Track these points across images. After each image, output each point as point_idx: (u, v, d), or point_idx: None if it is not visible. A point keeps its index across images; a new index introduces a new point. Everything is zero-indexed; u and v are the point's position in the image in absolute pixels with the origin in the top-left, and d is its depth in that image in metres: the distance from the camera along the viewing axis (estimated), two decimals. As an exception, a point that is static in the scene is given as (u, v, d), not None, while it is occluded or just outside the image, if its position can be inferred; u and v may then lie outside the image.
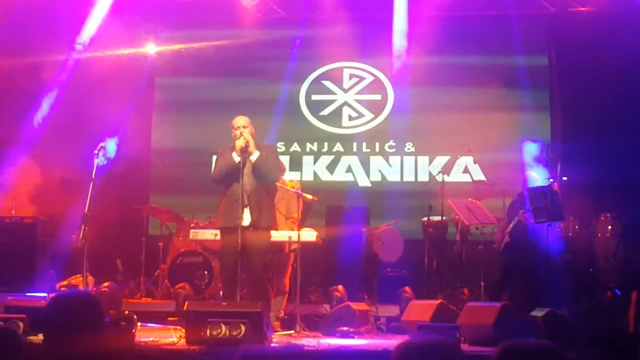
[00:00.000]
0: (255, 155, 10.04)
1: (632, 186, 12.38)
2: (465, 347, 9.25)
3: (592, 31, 13.83)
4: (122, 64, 14.62)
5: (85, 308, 4.23)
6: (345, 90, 15.69)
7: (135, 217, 14.00)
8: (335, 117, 15.65)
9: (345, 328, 10.67)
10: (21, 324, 8.61)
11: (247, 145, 9.96)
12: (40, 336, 8.19)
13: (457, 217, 12.80)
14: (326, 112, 15.68)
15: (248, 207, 9.92)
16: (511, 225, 11.71)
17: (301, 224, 11.26)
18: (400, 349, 3.22)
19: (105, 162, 10.61)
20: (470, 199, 12.73)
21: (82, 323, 4.13)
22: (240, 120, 10.19)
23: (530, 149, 12.24)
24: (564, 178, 12.58)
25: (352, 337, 10.42)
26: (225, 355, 7.16)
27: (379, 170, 15.37)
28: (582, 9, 14.74)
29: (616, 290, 11.80)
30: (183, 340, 8.93)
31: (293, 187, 11.55)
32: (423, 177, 15.15)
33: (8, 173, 13.31)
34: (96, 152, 10.49)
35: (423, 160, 15.25)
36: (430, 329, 9.27)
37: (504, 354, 3.33)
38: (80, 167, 11.79)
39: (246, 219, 9.88)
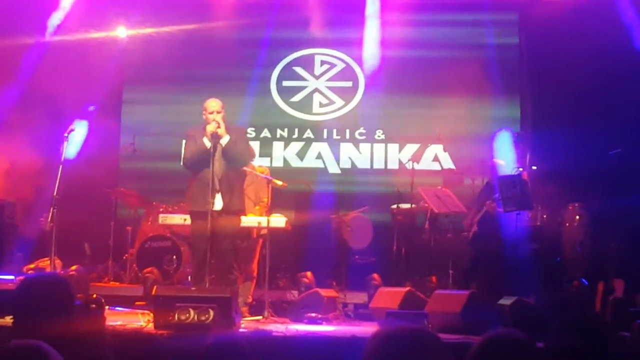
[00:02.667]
0: (225, 139, 10.00)
1: (601, 176, 12.45)
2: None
3: (564, 20, 13.85)
4: (93, 47, 14.52)
5: (56, 291, 4.21)
6: (317, 77, 15.67)
7: (104, 201, 13.95)
8: (306, 104, 15.62)
9: (313, 314, 10.68)
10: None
11: (216, 127, 9.94)
12: (8, 318, 8.18)
13: (426, 205, 12.83)
14: (297, 98, 15.65)
15: (220, 192, 9.93)
16: (479, 215, 11.78)
17: (270, 210, 11.27)
18: (378, 338, 3.20)
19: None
20: (439, 187, 12.77)
21: (53, 306, 4.11)
22: (213, 104, 10.12)
23: (502, 139, 12.31)
24: (533, 167, 12.65)
25: (320, 324, 10.43)
26: (193, 340, 7.15)
27: (349, 158, 15.36)
28: (554, -3, 14.78)
29: (583, 279, 11.87)
30: (151, 325, 8.93)
31: (262, 173, 11.54)
32: (393, 165, 15.18)
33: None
34: (66, 135, 10.44)
35: (393, 147, 15.26)
36: (399, 316, 9.31)
37: (485, 344, 3.34)
38: (49, 150, 11.74)
39: (217, 203, 9.89)
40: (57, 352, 3.42)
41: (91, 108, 11.03)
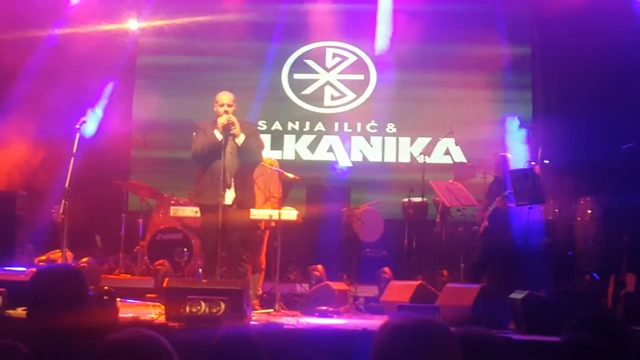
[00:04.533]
0: (241, 139, 9.96)
1: (613, 170, 12.42)
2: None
3: (575, 13, 13.76)
4: (104, 39, 14.54)
5: (70, 282, 4.20)
6: (328, 70, 15.64)
7: (115, 193, 13.95)
8: (317, 97, 15.60)
9: (324, 307, 10.68)
10: (0, 298, 8.59)
11: (230, 124, 9.85)
12: (20, 310, 8.21)
13: (437, 198, 12.82)
14: (308, 91, 15.63)
15: (233, 186, 9.89)
16: (489, 211, 11.78)
17: (282, 203, 11.27)
18: (387, 328, 3.18)
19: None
20: (451, 181, 12.75)
21: (67, 297, 4.10)
22: (225, 97, 10.06)
23: (512, 125, 12.33)
24: (546, 161, 12.63)
25: (331, 317, 10.44)
26: (204, 333, 7.15)
27: (360, 151, 15.35)
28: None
29: (594, 274, 11.85)
30: (162, 317, 8.94)
31: (271, 165, 11.54)
32: (404, 158, 15.17)
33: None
34: (78, 126, 10.45)
35: (404, 141, 15.24)
36: (410, 310, 9.30)
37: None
38: (61, 142, 11.76)
39: (229, 197, 9.86)
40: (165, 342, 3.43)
41: (84, 119, 10.99)
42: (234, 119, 9.93)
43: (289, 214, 11.12)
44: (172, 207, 12.10)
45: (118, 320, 8.09)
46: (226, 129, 9.86)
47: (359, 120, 15.41)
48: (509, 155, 12.24)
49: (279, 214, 10.94)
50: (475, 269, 11.96)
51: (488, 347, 3.88)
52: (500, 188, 11.84)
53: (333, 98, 15.57)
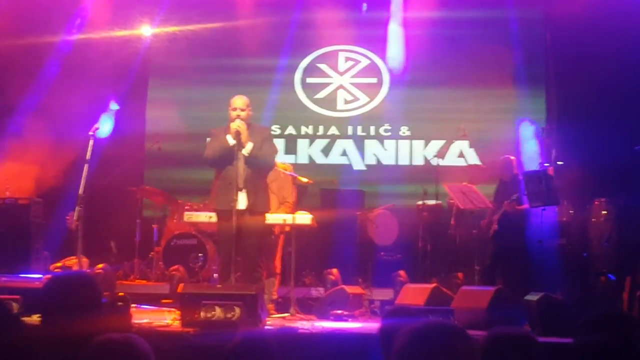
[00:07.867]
0: (248, 148, 9.80)
1: (627, 171, 12.36)
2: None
3: (588, 15, 13.75)
4: (117, 45, 14.56)
5: (83, 289, 4.21)
6: (341, 74, 15.64)
7: (130, 199, 13.97)
8: (330, 100, 15.60)
9: (339, 311, 10.68)
10: (15, 305, 8.62)
11: (237, 133, 9.78)
12: (35, 317, 8.22)
13: (452, 201, 12.83)
14: (321, 95, 15.63)
15: (245, 191, 9.80)
16: (498, 214, 11.78)
17: (295, 208, 11.26)
18: (406, 333, 3.19)
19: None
20: (465, 183, 12.74)
21: (80, 304, 4.12)
22: (239, 101, 9.92)
23: (525, 130, 12.33)
24: (559, 163, 12.60)
25: (346, 321, 10.43)
26: (219, 338, 7.15)
27: (374, 154, 15.35)
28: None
29: (610, 275, 11.81)
30: (177, 322, 8.96)
31: (285, 170, 11.54)
32: (418, 161, 15.16)
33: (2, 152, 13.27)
34: (91, 133, 10.46)
35: (418, 144, 15.23)
36: (426, 313, 9.29)
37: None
38: (74, 149, 11.79)
39: (242, 202, 9.75)
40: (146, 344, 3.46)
41: (115, 106, 11.04)
42: (242, 127, 9.77)
43: (303, 218, 11.11)
44: (185, 213, 12.11)
45: (131, 327, 8.09)
46: (238, 134, 9.78)
47: (372, 123, 15.41)
48: (512, 158, 12.24)
49: (293, 218, 10.93)
50: (486, 272, 11.95)
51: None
52: (505, 191, 11.85)
53: (346, 102, 15.57)
